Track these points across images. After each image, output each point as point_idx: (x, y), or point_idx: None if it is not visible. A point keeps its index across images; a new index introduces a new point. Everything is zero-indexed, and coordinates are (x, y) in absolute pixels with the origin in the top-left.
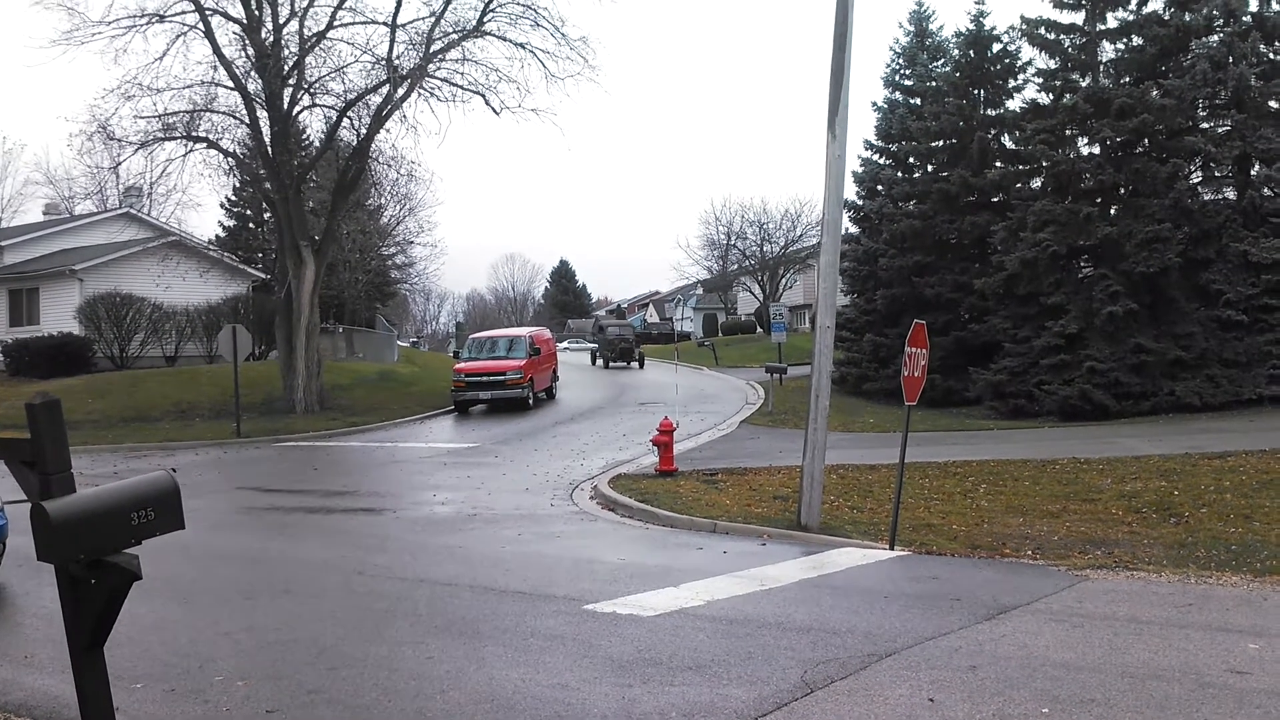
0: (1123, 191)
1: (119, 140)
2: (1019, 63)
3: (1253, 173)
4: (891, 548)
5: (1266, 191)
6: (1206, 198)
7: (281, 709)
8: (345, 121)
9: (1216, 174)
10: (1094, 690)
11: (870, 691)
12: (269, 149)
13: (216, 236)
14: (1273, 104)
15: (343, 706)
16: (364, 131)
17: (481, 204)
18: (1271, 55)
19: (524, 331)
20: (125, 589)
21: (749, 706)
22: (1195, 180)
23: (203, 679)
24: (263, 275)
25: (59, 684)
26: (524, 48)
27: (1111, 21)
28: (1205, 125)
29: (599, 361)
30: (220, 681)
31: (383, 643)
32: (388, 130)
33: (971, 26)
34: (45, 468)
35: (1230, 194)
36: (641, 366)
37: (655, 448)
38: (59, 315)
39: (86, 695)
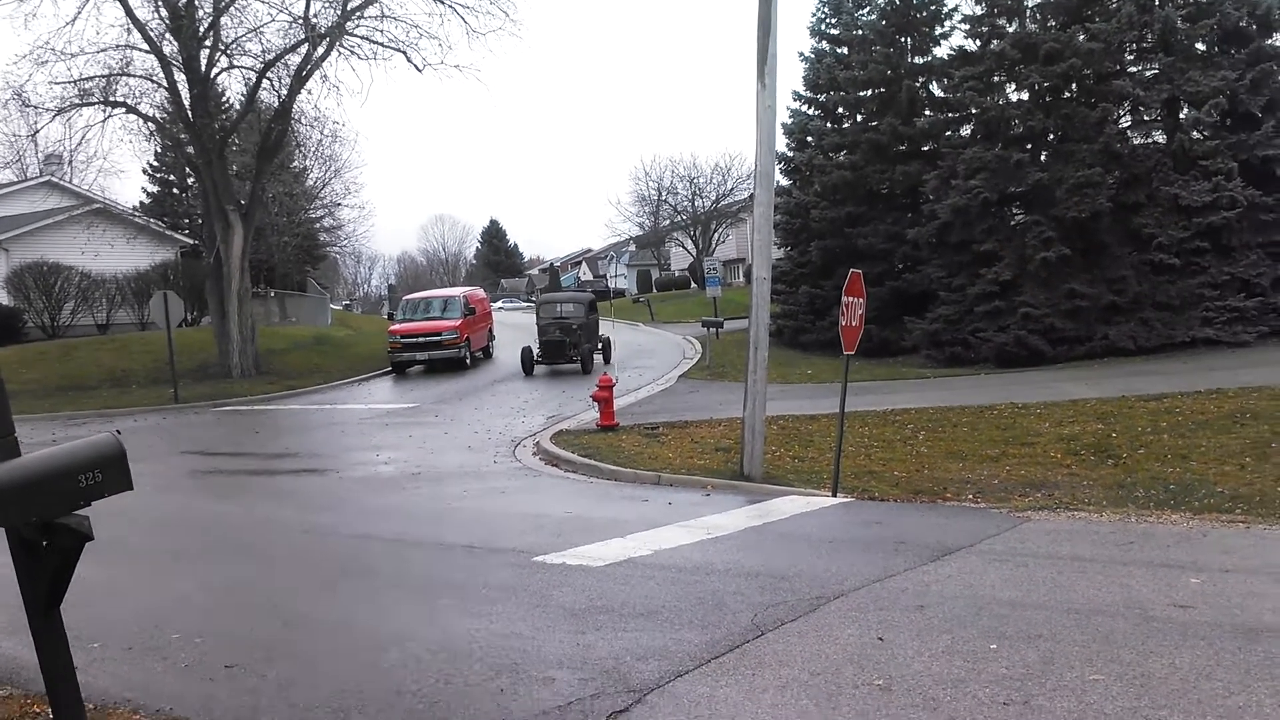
0: (1052, 137)
1: (35, 107)
2: (945, 9)
3: (1181, 116)
4: (834, 495)
5: (1195, 135)
6: (1136, 142)
7: (239, 664)
8: (265, 83)
9: (1145, 118)
10: (1040, 626)
11: (820, 632)
12: (189, 113)
13: (141, 203)
14: (1200, 46)
15: (300, 660)
16: (285, 93)
17: (409, 165)
18: None
19: (458, 291)
20: (78, 550)
21: (702, 649)
22: (1124, 124)
23: (160, 637)
24: (191, 241)
25: (15, 645)
26: (443, 2)
27: None
28: (1133, 69)
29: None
30: (177, 639)
31: (335, 598)
32: (309, 91)
33: None
34: None
35: (1160, 138)
36: (587, 371)
37: (595, 403)
38: None
39: (46, 655)
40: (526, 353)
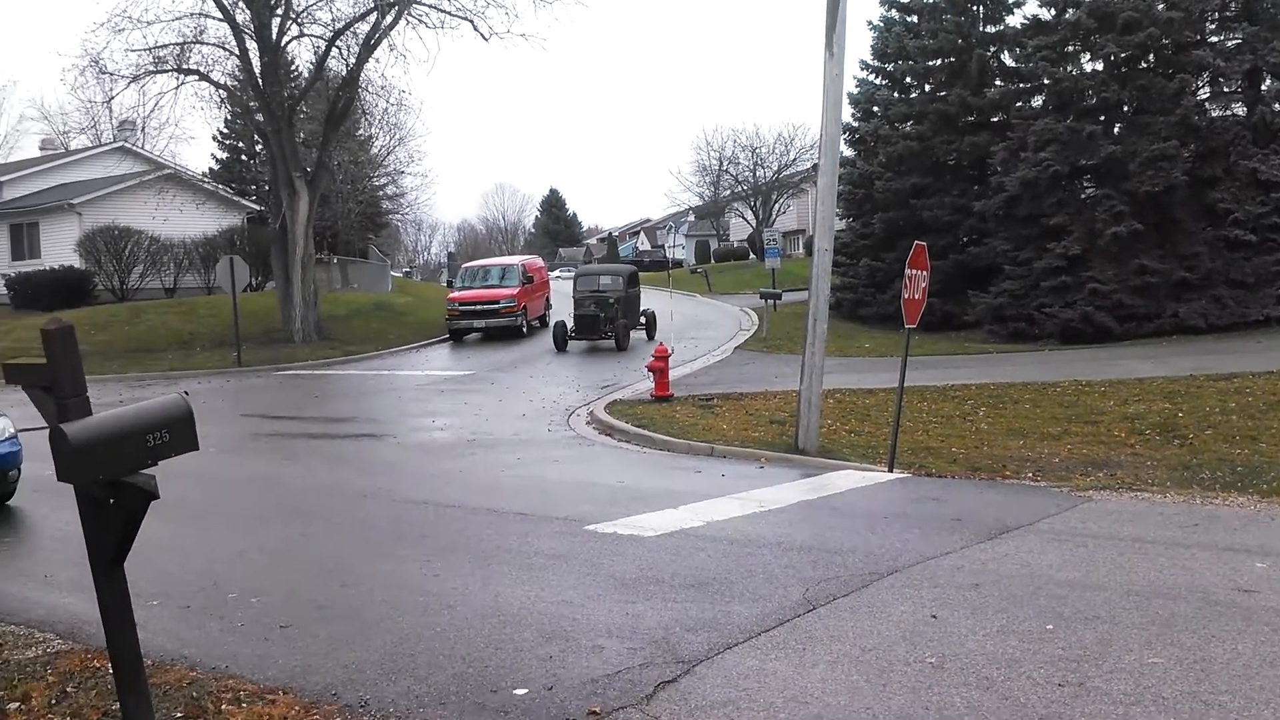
0: (1127, 109)
1: (111, 74)
2: None
3: (1263, 87)
4: (890, 470)
5: (1277, 107)
6: (1214, 114)
7: (294, 624)
8: (334, 51)
9: (1225, 89)
10: (1099, 608)
11: (873, 608)
12: (259, 80)
13: (210, 169)
14: None
15: (353, 621)
16: (353, 61)
17: (471, 134)
18: None
19: (516, 260)
20: (143, 509)
21: (752, 622)
22: (1203, 96)
23: (217, 596)
24: (257, 207)
25: (78, 602)
26: None
27: None
28: (1214, 39)
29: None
30: (234, 599)
31: (390, 561)
32: (376, 59)
33: None
34: (61, 392)
35: (1239, 110)
36: (621, 348)
37: (650, 374)
38: (59, 249)
39: (109, 611)
40: (559, 328)
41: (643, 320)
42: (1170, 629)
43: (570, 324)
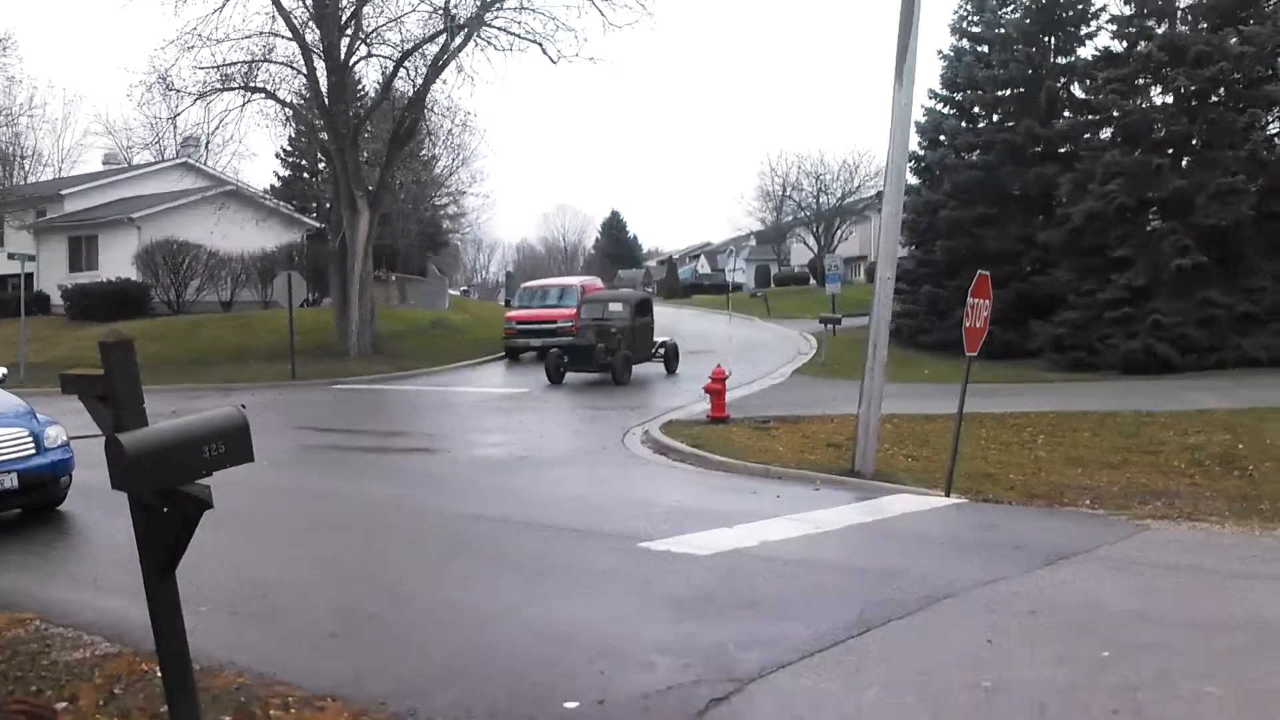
0: (1195, 142)
1: (178, 91)
2: (1092, 9)
3: None
4: (947, 495)
5: None
6: None
7: (343, 634)
8: (402, 72)
9: None
10: (1156, 637)
11: (928, 632)
12: (326, 100)
13: (271, 186)
14: None
15: (404, 632)
16: (420, 82)
17: (533, 153)
18: None
19: (575, 281)
20: (197, 518)
21: (806, 643)
22: (1272, 131)
23: (267, 604)
24: (317, 224)
25: (125, 605)
26: None
27: None
28: None
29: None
30: (284, 607)
31: (441, 575)
32: (444, 81)
33: None
34: (118, 402)
35: None
36: (619, 382)
37: (707, 395)
38: (117, 261)
39: (159, 616)
40: (553, 358)
41: (661, 351)
42: (1228, 660)
43: (572, 355)
